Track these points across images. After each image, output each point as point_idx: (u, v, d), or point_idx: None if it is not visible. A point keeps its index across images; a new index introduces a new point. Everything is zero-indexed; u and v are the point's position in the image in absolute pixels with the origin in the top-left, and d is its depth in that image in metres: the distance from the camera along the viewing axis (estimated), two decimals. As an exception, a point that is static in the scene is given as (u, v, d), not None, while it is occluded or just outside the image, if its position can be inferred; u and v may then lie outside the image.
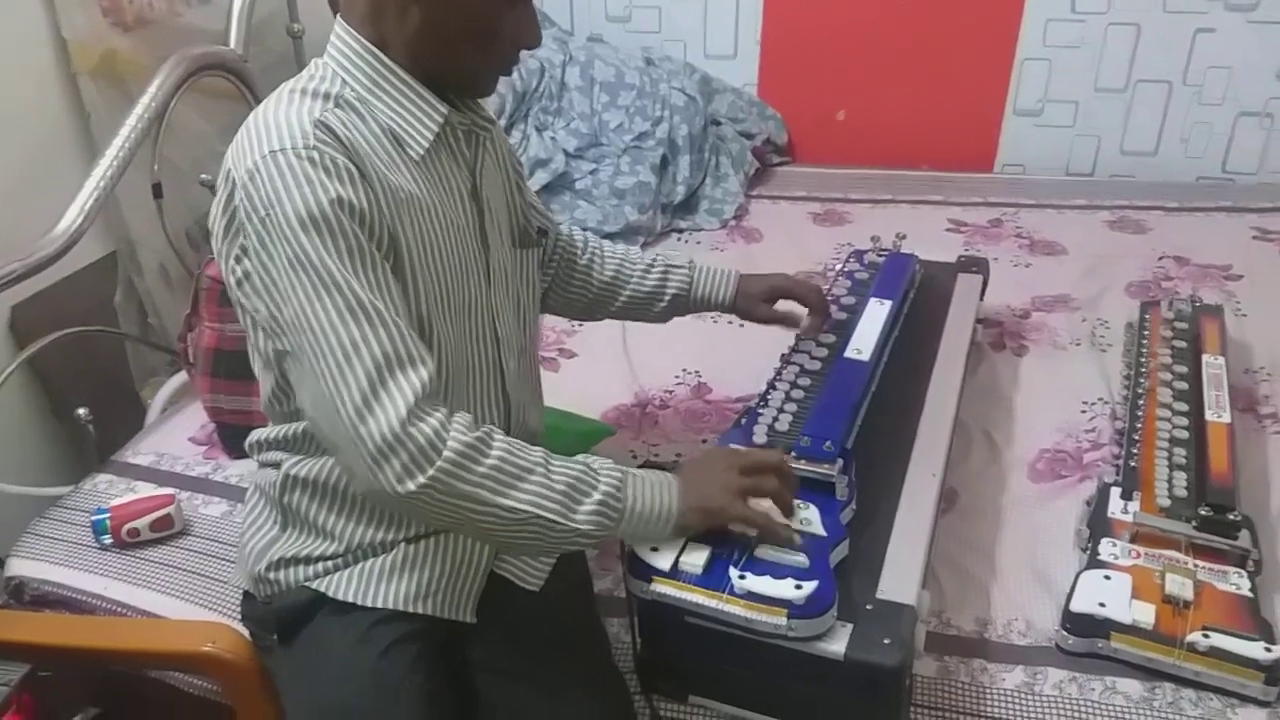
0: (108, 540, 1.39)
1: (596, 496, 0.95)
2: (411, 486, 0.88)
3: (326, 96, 0.97)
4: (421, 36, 0.97)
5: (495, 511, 0.92)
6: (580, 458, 0.99)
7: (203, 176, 1.84)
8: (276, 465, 1.09)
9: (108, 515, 1.39)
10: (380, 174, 0.95)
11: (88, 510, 1.45)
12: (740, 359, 1.79)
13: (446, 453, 0.89)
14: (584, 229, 2.25)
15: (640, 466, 1.05)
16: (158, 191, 1.75)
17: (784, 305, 1.41)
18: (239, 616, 1.23)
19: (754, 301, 1.38)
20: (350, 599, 1.05)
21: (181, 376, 1.81)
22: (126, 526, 1.38)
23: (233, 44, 1.88)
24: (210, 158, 1.95)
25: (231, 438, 1.62)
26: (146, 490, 1.50)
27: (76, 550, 1.40)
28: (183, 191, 1.88)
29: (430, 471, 0.88)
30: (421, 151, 1.00)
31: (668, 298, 1.37)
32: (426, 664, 1.03)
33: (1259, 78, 2.54)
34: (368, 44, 0.99)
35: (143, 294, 1.90)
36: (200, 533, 1.45)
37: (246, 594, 1.18)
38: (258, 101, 1.92)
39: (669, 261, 1.38)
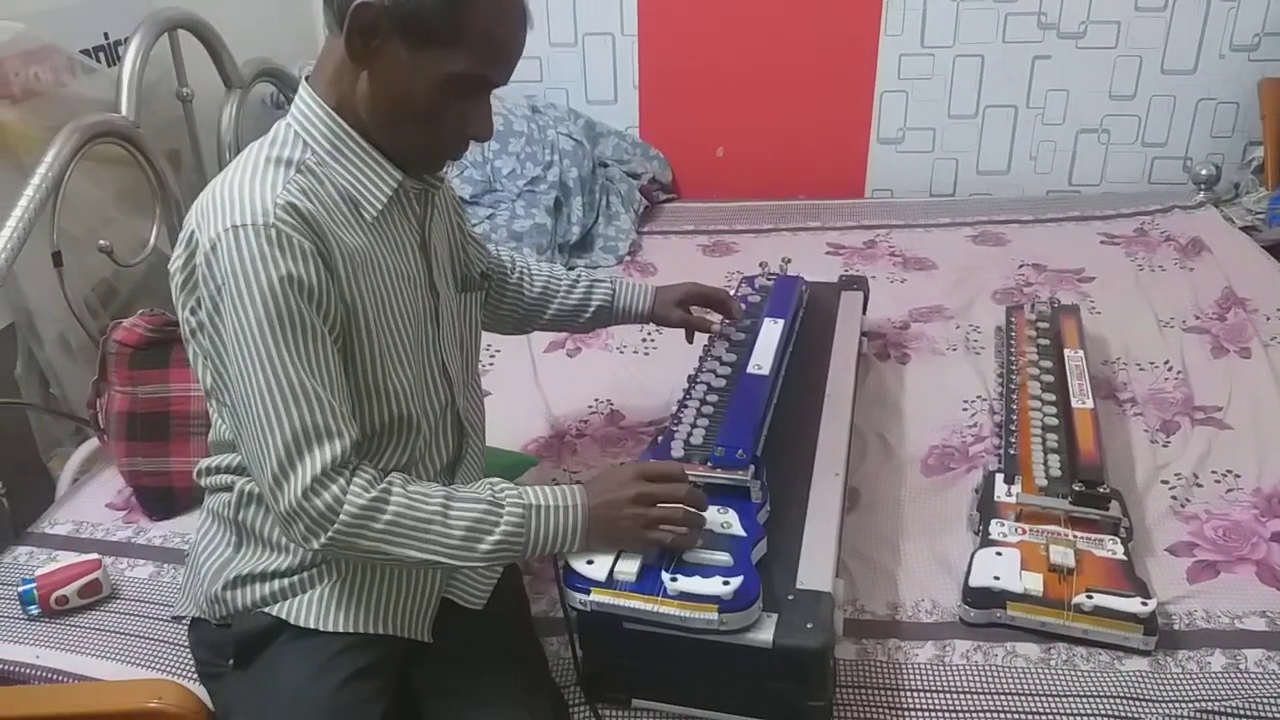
0: (35, 610, 1.38)
1: (496, 536, 1.04)
2: (316, 545, 0.99)
3: (289, 163, 1.03)
4: (371, 105, 1.03)
5: (399, 558, 1.02)
6: (488, 490, 1.06)
7: (100, 242, 1.83)
8: (229, 488, 1.13)
9: (34, 585, 1.37)
10: (337, 237, 1.01)
11: (10, 583, 1.44)
12: (648, 385, 1.89)
13: (343, 516, 0.98)
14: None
15: None
16: (57, 260, 1.74)
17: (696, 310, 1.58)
18: (178, 674, 1.25)
19: (669, 308, 1.54)
20: (312, 625, 1.08)
21: (90, 445, 1.79)
22: (55, 594, 1.37)
23: (124, 110, 1.88)
24: (104, 223, 1.95)
25: (153, 500, 1.62)
26: (69, 559, 1.46)
27: (3, 623, 1.38)
28: (80, 259, 1.86)
29: (330, 532, 0.98)
30: (376, 213, 1.07)
31: (592, 310, 1.52)
32: (385, 700, 1.07)
33: (1093, 97, 2.80)
34: (329, 109, 1.04)
35: (43, 364, 1.87)
36: (129, 595, 1.44)
37: (195, 621, 1.20)
38: (150, 164, 1.95)
39: (592, 277, 1.53)
